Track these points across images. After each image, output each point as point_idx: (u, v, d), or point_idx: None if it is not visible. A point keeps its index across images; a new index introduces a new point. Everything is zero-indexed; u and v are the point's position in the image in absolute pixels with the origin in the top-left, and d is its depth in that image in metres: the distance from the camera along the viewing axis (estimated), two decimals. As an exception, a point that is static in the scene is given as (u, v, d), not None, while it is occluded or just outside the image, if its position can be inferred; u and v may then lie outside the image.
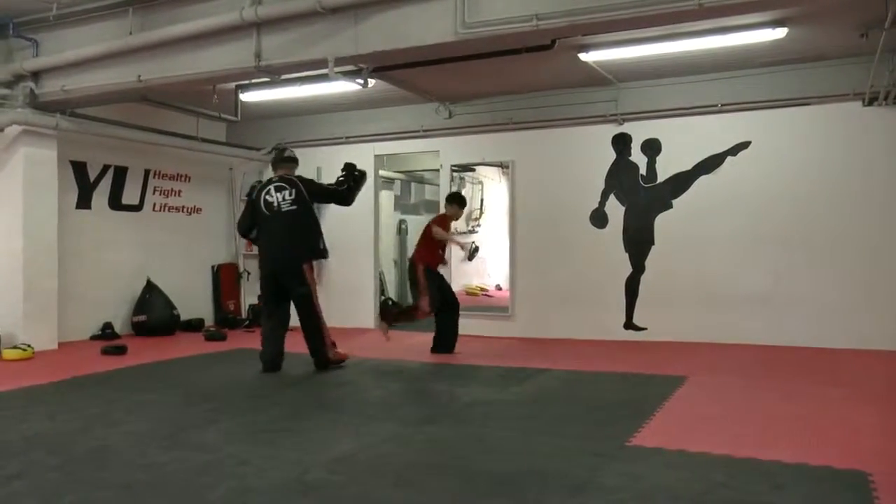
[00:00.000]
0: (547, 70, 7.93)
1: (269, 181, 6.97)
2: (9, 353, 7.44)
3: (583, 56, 7.28)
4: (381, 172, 10.69)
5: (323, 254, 7.15)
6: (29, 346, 7.60)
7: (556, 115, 8.93)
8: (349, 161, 7.34)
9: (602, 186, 8.78)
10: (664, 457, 3.96)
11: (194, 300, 10.26)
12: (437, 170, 9.94)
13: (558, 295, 8.96)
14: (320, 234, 7.03)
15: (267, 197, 6.80)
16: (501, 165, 9.79)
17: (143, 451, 4.15)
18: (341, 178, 7.13)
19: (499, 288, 11.59)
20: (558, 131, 9.00)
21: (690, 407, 5.21)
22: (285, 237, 6.73)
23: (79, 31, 7.35)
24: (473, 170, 10.83)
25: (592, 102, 8.74)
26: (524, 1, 5.28)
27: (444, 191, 9.70)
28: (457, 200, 8.17)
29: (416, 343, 8.57)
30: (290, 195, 6.75)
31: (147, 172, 9.86)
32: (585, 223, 8.85)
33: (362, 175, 7.25)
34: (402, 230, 12.92)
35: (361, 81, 7.26)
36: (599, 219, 8.80)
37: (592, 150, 8.85)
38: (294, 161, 7.20)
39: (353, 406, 5.33)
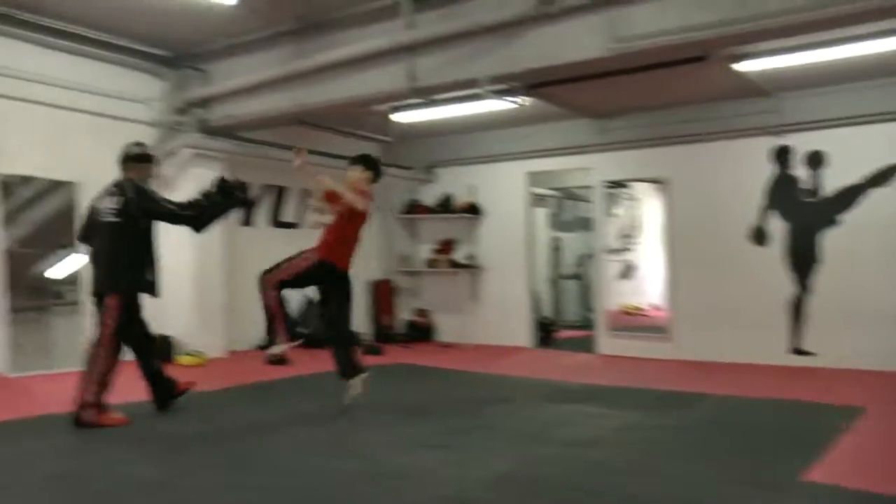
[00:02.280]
0: (700, 82, 7.64)
1: (111, 183, 5.42)
2: (183, 360, 7.94)
3: (737, 66, 6.96)
4: (535, 190, 10.65)
5: (137, 288, 5.30)
6: (201, 353, 8.08)
7: (711, 129, 8.56)
8: (225, 177, 5.71)
9: (761, 202, 8.37)
10: (843, 497, 3.67)
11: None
12: (591, 187, 9.79)
13: (717, 316, 8.56)
14: (144, 261, 5.32)
15: (99, 202, 5.33)
16: (656, 181, 9.53)
17: (303, 457, 4.29)
18: (205, 194, 5.53)
19: (655, 307, 11.27)
20: (713, 145, 8.62)
21: (872, 442, 4.81)
22: (98, 254, 5.27)
23: (243, 60, 7.81)
24: (627, 186, 10.61)
25: (748, 114, 8.32)
26: (676, 13, 5.15)
27: (598, 209, 9.55)
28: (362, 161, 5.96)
29: (574, 363, 8.46)
30: (115, 203, 5.18)
31: (305, 191, 10.25)
32: (744, 241, 8.45)
33: (234, 198, 5.67)
34: (556, 247, 12.82)
35: (514, 100, 7.26)
36: (759, 236, 8.38)
37: (749, 163, 8.42)
38: (140, 160, 5.46)
39: (512, 425, 5.28)
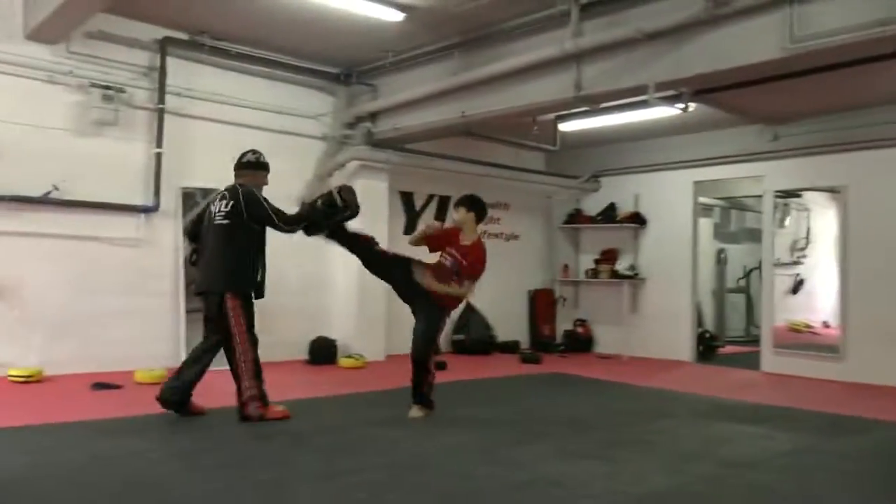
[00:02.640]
0: (886, 82, 7.16)
1: (225, 188, 5.58)
2: (344, 362, 8.29)
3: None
4: (701, 199, 10.35)
5: (249, 288, 5.39)
6: (361, 356, 8.39)
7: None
8: (335, 191, 5.65)
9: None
10: None
11: (511, 323, 10.64)
12: (760, 196, 9.39)
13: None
14: (255, 263, 5.43)
15: (212, 205, 5.53)
16: (832, 190, 9.00)
17: (460, 462, 4.37)
18: (312, 206, 5.68)
19: (826, 325, 10.63)
20: (896, 150, 8.06)
21: None
22: (209, 255, 5.43)
23: (410, 74, 8.10)
24: (800, 196, 10.08)
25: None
26: (864, 7, 4.85)
27: (768, 219, 9.15)
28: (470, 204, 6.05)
29: (737, 380, 8.14)
30: (226, 206, 5.34)
31: (468, 201, 10.43)
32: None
33: (339, 212, 5.60)
34: (720, 259, 12.40)
35: (681, 106, 7.10)
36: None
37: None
38: (253, 166, 5.62)
39: (671, 441, 5.16)
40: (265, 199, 5.44)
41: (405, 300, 5.83)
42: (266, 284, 5.52)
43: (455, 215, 5.96)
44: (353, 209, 5.61)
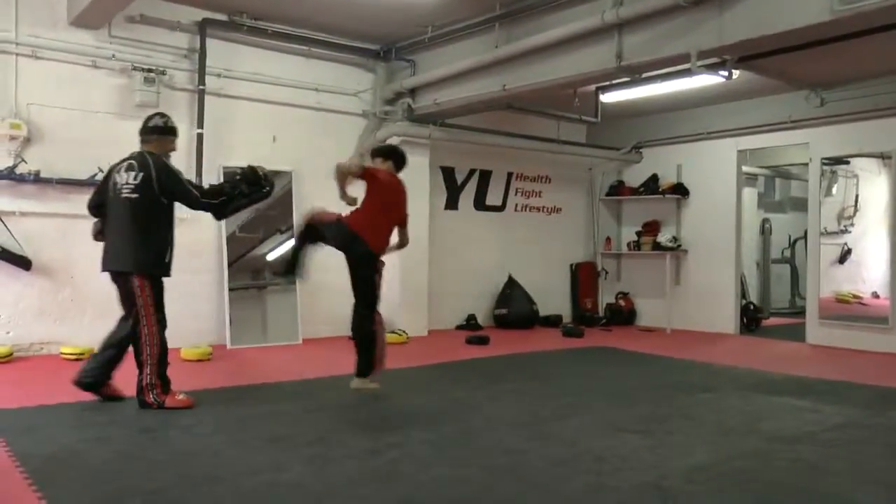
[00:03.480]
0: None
1: (130, 155, 5.08)
2: (388, 337, 8.28)
3: None
4: (745, 168, 10.19)
5: (158, 268, 4.98)
6: (404, 331, 8.45)
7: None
8: (255, 166, 5.29)
9: None
10: None
11: (553, 297, 10.62)
12: (806, 164, 9.21)
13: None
14: (164, 239, 5.02)
15: (116, 175, 4.99)
16: (882, 156, 8.78)
17: (503, 436, 4.40)
18: (231, 184, 5.29)
19: (876, 296, 10.42)
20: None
21: None
22: (115, 231, 4.99)
23: (449, 49, 8.06)
24: (848, 162, 9.85)
25: None
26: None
27: (814, 188, 8.97)
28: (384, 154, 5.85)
29: (781, 352, 8.04)
30: (135, 178, 4.88)
31: (510, 175, 10.43)
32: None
33: (260, 189, 5.25)
34: (765, 230, 12.21)
35: (725, 73, 6.98)
36: None
37: None
38: (160, 131, 5.11)
39: (715, 415, 5.12)
40: (179, 171, 5.08)
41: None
42: (173, 261, 5.11)
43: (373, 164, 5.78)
44: (271, 187, 5.35)
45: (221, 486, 3.44)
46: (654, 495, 3.38)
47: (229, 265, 7.79)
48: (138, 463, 3.76)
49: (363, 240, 5.43)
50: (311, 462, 3.81)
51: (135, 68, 7.23)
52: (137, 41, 7.33)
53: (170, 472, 3.64)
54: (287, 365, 6.80)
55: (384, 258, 5.66)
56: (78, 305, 6.99)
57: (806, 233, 9.64)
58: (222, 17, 7.69)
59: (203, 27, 7.59)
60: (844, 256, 9.90)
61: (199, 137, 7.60)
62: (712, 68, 6.91)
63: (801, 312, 9.77)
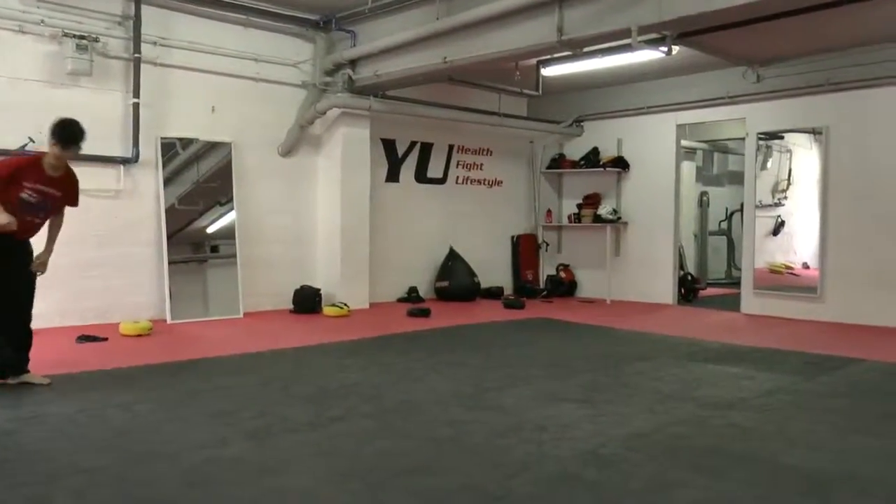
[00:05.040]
0: (869, 22, 7.08)
1: None
2: (329, 310, 8.33)
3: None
4: (684, 142, 10.35)
5: None
6: (345, 304, 8.43)
7: (878, 74, 7.96)
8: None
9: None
10: None
11: (494, 269, 10.69)
12: (743, 138, 9.40)
13: (876, 276, 8.08)
14: None
15: None
16: (814, 132, 9.01)
17: (445, 408, 4.44)
18: None
19: (806, 266, 10.71)
20: (879, 91, 8.05)
21: None
22: None
23: (390, 20, 7.98)
24: (782, 137, 10.08)
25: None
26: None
27: (750, 161, 9.17)
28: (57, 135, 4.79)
29: (717, 322, 8.24)
30: None
31: (451, 147, 10.42)
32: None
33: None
34: (703, 202, 12.46)
35: (665, 49, 7.05)
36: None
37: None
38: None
39: (652, 383, 5.24)
40: None
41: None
42: None
43: None
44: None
45: (162, 462, 3.40)
46: (593, 464, 3.45)
47: (169, 238, 7.64)
48: (76, 441, 3.69)
49: None
50: (253, 436, 3.79)
51: (65, 34, 6.97)
52: (67, 6, 7.05)
53: (109, 450, 3.58)
54: (228, 339, 6.73)
55: None
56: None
57: (742, 205, 9.85)
58: (158, -18, 7.48)
59: (138, -7, 7.36)
60: (778, 228, 10.15)
61: (136, 107, 7.41)
62: (653, 44, 6.98)
63: (737, 283, 10.01)
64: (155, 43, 7.57)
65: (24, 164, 4.79)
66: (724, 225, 13.11)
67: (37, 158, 4.86)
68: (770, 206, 10.03)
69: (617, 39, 6.41)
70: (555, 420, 4.15)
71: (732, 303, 9.48)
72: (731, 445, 3.80)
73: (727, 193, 13.07)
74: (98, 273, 7.27)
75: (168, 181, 7.73)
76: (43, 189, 4.76)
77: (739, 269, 10.24)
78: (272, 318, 7.97)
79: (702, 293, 10.78)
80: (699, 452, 3.67)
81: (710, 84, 9.41)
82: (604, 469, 3.38)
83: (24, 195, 4.69)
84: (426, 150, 10.15)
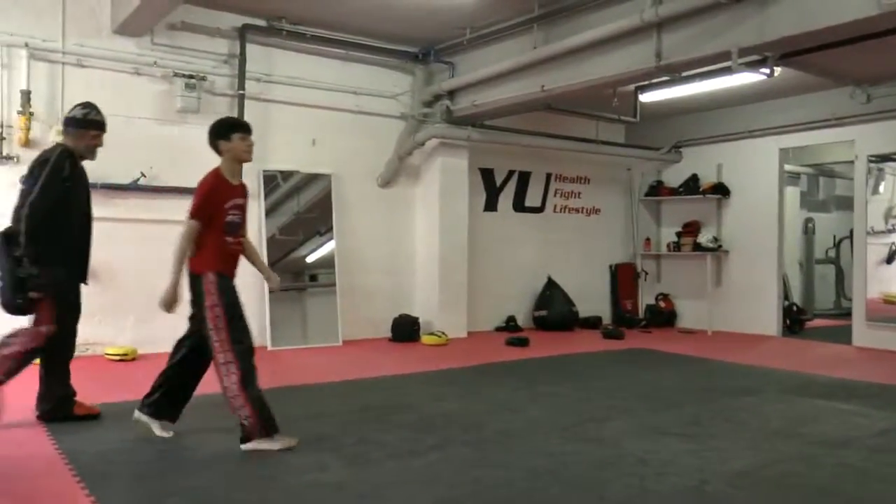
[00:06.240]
0: None
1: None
2: (427, 339, 8.38)
3: None
4: (787, 167, 10.04)
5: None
6: (443, 333, 8.47)
7: None
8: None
9: None
10: None
11: (592, 298, 10.57)
12: (851, 161, 9.05)
13: None
14: (30, 236, 4.28)
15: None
16: (931, 154, 8.60)
17: (544, 439, 4.39)
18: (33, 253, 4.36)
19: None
20: None
21: None
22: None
23: (488, 50, 8.07)
24: (894, 160, 9.68)
25: None
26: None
27: (860, 186, 8.81)
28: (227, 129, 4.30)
29: (826, 354, 7.90)
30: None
31: (549, 176, 10.41)
32: None
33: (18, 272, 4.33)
34: (808, 229, 12.04)
35: (766, 71, 6.88)
36: None
37: None
38: (78, 124, 4.67)
39: (757, 418, 5.05)
40: (55, 167, 4.37)
41: None
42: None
43: None
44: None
45: (267, 484, 3.49)
46: (697, 500, 3.35)
47: (269, 267, 7.85)
48: (183, 463, 3.82)
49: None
50: (352, 462, 3.84)
51: (176, 74, 7.33)
52: (179, 48, 7.44)
53: (214, 471, 3.69)
54: (328, 366, 6.85)
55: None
56: (121, 307, 7.09)
57: (851, 232, 9.46)
58: (261, 22, 7.78)
59: (243, 33, 7.69)
60: (893, 256, 9.70)
61: (240, 142, 7.68)
62: (753, 66, 6.82)
63: (847, 314, 9.59)
64: (258, 79, 7.87)
65: (214, 183, 4.12)
66: (832, 253, 12.61)
67: (215, 173, 4.18)
68: (883, 232, 9.59)
69: (716, 63, 6.28)
70: (656, 454, 4.05)
71: (842, 335, 9.08)
72: (845, 487, 3.62)
73: (834, 219, 12.59)
74: (204, 301, 7.51)
75: (269, 212, 7.97)
76: (240, 202, 4.21)
77: (849, 300, 9.81)
78: (371, 346, 8.07)
79: (808, 324, 10.38)
80: (808, 493, 3.52)
81: (814, 105, 9.12)
82: (708, 506, 3.28)
83: (229, 218, 4.15)
84: (524, 178, 10.16)
